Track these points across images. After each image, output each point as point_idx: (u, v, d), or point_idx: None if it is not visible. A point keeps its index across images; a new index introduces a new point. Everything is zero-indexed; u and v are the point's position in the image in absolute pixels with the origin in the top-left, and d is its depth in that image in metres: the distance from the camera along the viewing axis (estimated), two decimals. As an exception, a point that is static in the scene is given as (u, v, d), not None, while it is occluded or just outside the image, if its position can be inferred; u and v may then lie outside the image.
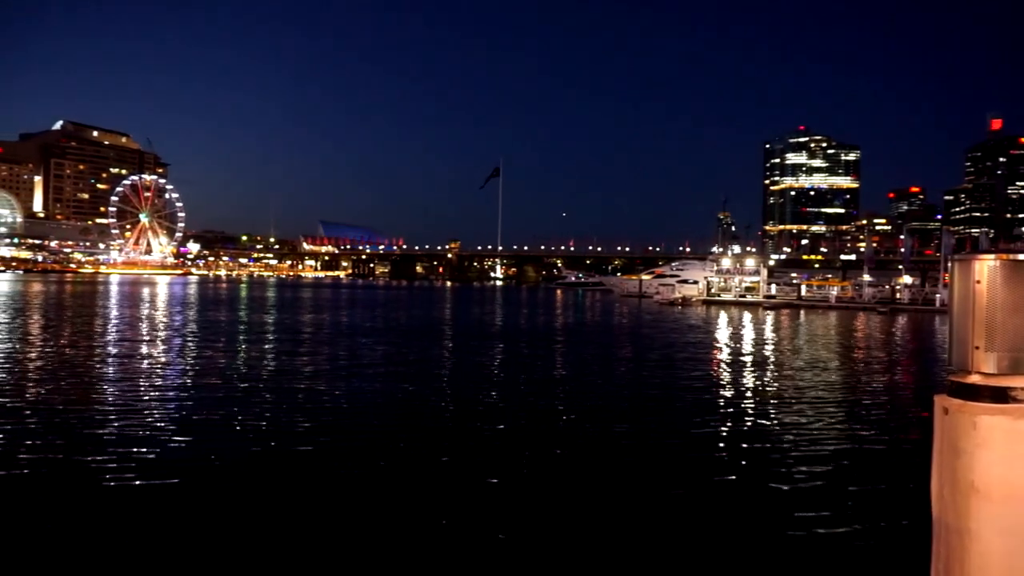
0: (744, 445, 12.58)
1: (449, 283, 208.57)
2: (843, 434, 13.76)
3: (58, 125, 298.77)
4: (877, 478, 10.72)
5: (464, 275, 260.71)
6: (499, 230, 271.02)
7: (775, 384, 20.25)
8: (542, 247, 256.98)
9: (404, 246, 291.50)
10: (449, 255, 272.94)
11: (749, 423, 14.55)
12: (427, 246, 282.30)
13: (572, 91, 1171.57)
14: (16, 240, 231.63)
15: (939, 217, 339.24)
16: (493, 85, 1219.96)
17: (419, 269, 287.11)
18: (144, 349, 25.43)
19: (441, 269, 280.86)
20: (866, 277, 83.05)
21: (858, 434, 13.74)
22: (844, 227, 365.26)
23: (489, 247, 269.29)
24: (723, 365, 24.89)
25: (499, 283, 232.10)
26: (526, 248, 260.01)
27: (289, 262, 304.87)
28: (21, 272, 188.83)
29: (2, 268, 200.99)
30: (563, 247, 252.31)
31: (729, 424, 14.46)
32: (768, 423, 14.65)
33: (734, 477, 10.68)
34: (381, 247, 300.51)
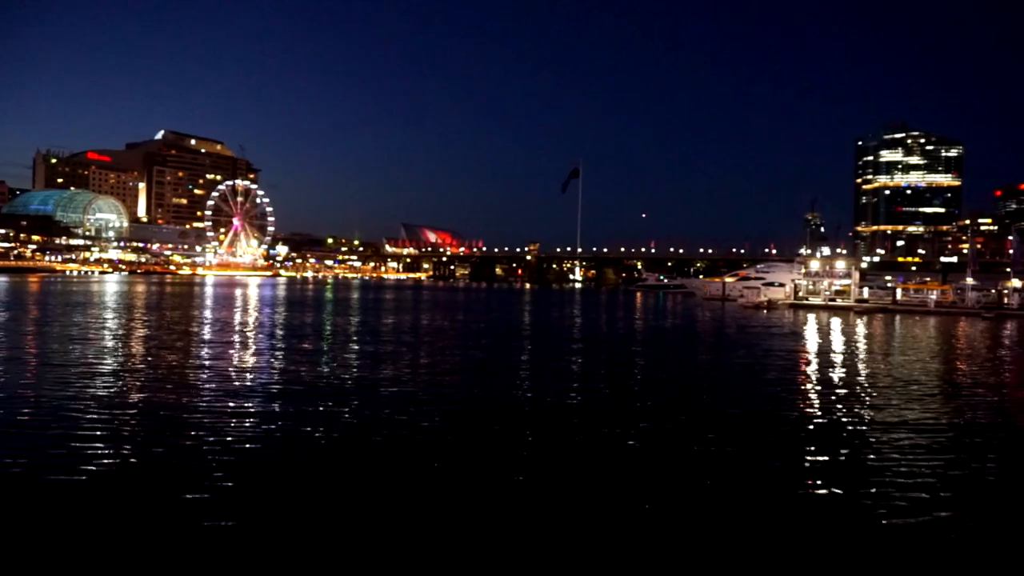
0: (859, 474, 12.05)
1: (528, 285, 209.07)
2: (957, 455, 12.97)
3: (159, 135, 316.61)
4: (991, 500, 10.03)
5: (543, 277, 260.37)
6: (578, 232, 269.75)
7: (879, 401, 19.32)
8: (622, 249, 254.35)
9: (484, 248, 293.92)
10: (528, 257, 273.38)
11: (856, 448, 13.94)
12: (506, 248, 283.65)
13: (652, 90, 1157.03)
14: (122, 243, 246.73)
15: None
16: (572, 85, 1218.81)
17: (499, 271, 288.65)
18: (245, 347, 26.50)
19: (520, 271, 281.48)
20: (969, 280, 78.10)
21: (970, 449, 12.91)
22: (944, 228, 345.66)
23: (568, 249, 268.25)
24: (822, 379, 23.95)
25: (578, 285, 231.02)
26: (605, 250, 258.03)
27: (372, 264, 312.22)
28: (126, 273, 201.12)
29: (111, 270, 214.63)
30: (643, 249, 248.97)
31: (837, 449, 13.89)
32: (878, 448, 14.04)
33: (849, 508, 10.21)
34: (461, 249, 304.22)
